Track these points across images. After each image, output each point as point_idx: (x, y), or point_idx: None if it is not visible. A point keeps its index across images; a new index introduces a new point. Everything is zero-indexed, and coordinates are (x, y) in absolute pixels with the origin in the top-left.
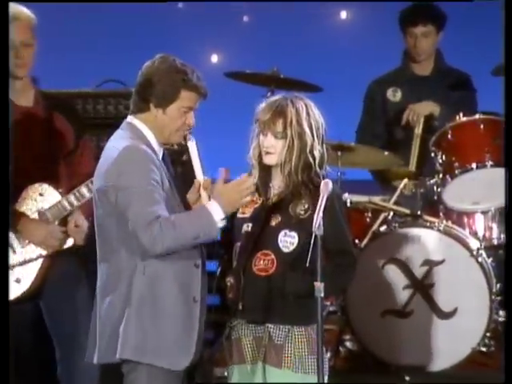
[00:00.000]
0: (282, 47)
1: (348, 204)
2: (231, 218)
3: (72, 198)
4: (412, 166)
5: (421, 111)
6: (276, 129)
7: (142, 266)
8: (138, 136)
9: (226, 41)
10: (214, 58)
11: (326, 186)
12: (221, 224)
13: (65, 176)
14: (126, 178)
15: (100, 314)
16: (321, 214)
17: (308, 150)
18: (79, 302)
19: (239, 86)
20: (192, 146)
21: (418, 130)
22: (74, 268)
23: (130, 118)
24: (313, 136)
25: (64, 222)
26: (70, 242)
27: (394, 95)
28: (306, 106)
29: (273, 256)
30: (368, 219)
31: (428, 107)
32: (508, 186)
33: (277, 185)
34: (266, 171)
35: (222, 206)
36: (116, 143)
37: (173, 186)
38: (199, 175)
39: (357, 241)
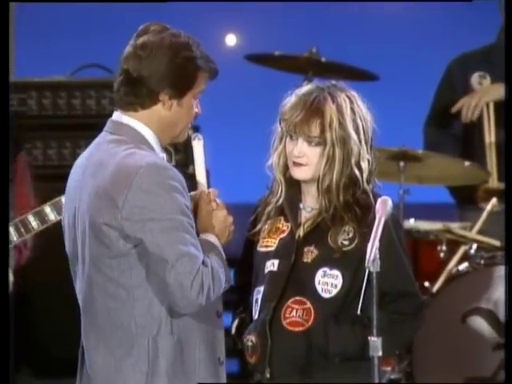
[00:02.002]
0: (322, 22)
1: (414, 234)
2: (249, 251)
3: None
4: (493, 182)
5: (487, 96)
6: (310, 132)
7: (168, 323)
8: (139, 141)
9: (247, 16)
10: (231, 40)
11: (384, 205)
12: None
13: None
14: (154, 207)
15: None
16: (377, 243)
17: (354, 161)
18: None
19: (265, 72)
20: (198, 146)
21: (490, 138)
22: None
23: (118, 116)
24: (360, 141)
25: None
26: None
27: (481, 82)
28: (350, 98)
29: (309, 304)
30: (442, 254)
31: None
32: (509, 188)
33: (309, 205)
34: (294, 187)
35: (219, 240)
36: (124, 159)
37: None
38: (202, 183)
39: (427, 283)
